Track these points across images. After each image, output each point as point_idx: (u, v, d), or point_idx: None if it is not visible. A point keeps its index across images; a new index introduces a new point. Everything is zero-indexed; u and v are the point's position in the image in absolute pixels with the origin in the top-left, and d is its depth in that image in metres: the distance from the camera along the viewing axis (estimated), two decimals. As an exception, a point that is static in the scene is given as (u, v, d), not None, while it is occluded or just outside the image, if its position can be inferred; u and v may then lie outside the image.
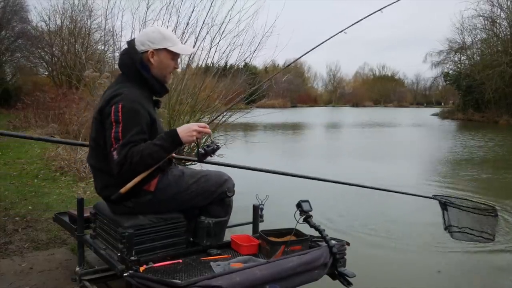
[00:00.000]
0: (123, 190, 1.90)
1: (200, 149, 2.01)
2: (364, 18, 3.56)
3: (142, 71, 2.00)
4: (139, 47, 2.02)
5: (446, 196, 3.22)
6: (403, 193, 3.25)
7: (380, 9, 3.57)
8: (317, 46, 3.55)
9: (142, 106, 1.91)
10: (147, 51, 2.01)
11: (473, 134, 17.75)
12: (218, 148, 2.05)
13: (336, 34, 3.54)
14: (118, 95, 1.89)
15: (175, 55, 2.09)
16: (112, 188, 1.98)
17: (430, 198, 3.19)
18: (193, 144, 2.11)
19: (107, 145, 1.88)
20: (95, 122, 1.99)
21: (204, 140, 2.43)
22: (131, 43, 2.05)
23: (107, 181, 1.99)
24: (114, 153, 1.82)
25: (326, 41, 3.53)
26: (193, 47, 5.55)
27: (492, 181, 7.68)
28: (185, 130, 1.94)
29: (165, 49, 2.04)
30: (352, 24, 3.50)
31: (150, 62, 2.02)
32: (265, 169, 2.92)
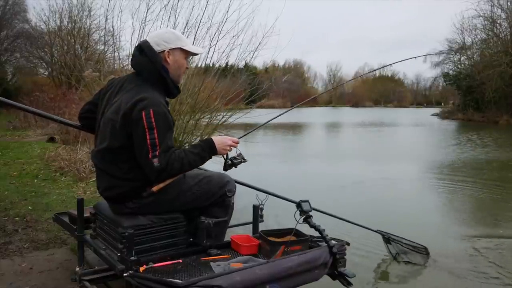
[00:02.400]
0: (155, 188, 1.96)
1: (228, 160, 2.15)
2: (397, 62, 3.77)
3: (162, 73, 1.99)
4: (155, 47, 2.01)
5: (386, 233, 3.57)
6: (352, 222, 3.48)
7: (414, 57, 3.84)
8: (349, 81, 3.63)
9: (167, 109, 1.94)
10: (163, 51, 2.01)
11: (476, 133, 17.71)
12: (245, 161, 2.19)
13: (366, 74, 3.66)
14: (144, 100, 1.86)
15: (187, 55, 2.11)
16: (116, 189, 1.98)
17: (375, 231, 3.55)
18: None
19: (138, 151, 1.87)
20: (111, 124, 1.93)
21: None
22: (146, 44, 2.02)
23: (112, 182, 1.99)
24: (155, 160, 1.83)
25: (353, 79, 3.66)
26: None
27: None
28: (221, 144, 2.06)
29: (180, 49, 2.05)
30: (384, 66, 3.69)
31: (167, 63, 2.03)
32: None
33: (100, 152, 2.02)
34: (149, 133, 1.83)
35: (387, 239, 3.51)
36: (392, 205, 5.62)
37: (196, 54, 2.28)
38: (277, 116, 3.47)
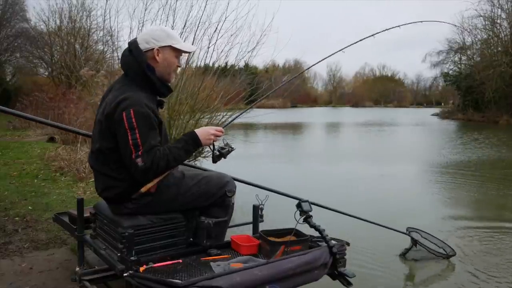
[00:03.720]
0: (143, 189, 1.94)
1: (215, 151, 2.10)
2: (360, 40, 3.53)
3: (148, 73, 1.98)
4: (143, 45, 2.00)
5: (417, 229, 3.64)
6: (379, 225, 3.53)
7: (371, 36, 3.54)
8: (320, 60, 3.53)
9: (151, 109, 1.92)
10: (152, 49, 2.00)
11: (480, 133, 17.65)
12: (232, 150, 2.13)
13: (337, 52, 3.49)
14: (125, 100, 1.86)
15: (178, 53, 2.09)
16: (113, 189, 1.98)
17: (404, 233, 3.59)
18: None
19: (123, 152, 1.87)
20: (99, 125, 1.95)
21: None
22: (134, 43, 2.01)
23: (108, 183, 2.00)
24: (138, 160, 1.83)
25: (328, 56, 3.53)
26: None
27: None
28: (204, 134, 2.04)
29: (170, 47, 2.04)
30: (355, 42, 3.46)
31: (155, 61, 2.01)
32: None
33: (94, 153, 2.03)
34: (130, 133, 1.83)
35: (415, 241, 3.51)
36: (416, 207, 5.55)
37: (187, 52, 2.26)
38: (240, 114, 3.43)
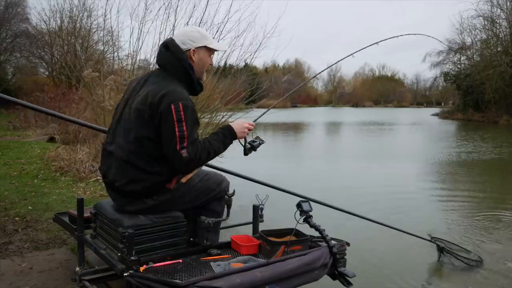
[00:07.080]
0: (184, 179, 2.02)
1: (247, 144, 2.18)
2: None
3: (190, 71, 2.03)
4: (181, 46, 2.03)
5: (441, 239, 3.65)
6: (403, 231, 3.50)
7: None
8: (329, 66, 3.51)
9: (193, 104, 1.98)
10: (189, 49, 2.04)
11: (486, 133, 17.62)
12: (263, 143, 2.21)
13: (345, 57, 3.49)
14: (172, 93, 1.90)
15: (212, 52, 2.13)
16: (141, 183, 1.96)
17: (429, 241, 3.60)
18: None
19: (166, 142, 1.90)
20: (139, 114, 1.93)
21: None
22: (172, 42, 2.04)
23: (135, 175, 1.96)
24: (183, 151, 1.88)
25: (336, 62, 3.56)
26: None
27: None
28: (239, 127, 2.12)
29: (205, 47, 2.08)
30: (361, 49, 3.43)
31: (192, 61, 2.06)
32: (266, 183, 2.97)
33: (127, 143, 1.97)
34: (178, 126, 1.87)
35: (441, 249, 3.54)
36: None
37: (223, 51, 2.33)
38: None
